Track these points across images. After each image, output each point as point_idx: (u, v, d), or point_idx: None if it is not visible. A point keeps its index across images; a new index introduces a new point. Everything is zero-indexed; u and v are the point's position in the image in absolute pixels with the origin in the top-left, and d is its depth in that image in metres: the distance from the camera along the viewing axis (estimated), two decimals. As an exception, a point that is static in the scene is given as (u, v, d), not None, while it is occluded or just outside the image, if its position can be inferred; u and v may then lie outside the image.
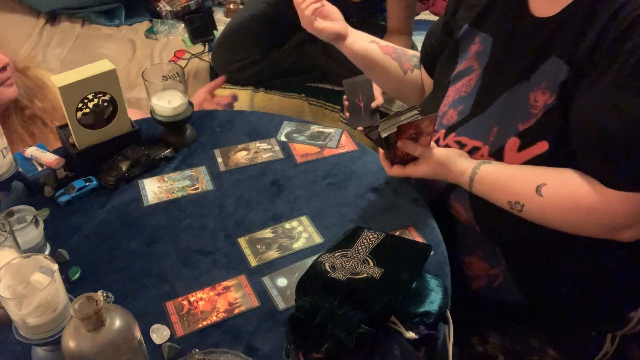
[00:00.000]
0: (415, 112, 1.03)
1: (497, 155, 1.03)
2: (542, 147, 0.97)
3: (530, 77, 0.98)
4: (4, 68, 1.39)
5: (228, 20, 2.40)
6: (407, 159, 1.10)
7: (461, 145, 1.09)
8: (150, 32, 2.44)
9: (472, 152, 1.08)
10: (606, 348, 1.11)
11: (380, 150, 1.14)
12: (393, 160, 1.12)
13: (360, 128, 1.68)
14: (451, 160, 1.06)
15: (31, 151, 1.22)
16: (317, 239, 1.09)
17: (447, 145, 1.12)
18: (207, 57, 2.28)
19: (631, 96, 0.85)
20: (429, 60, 1.28)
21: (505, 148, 1.02)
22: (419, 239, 1.07)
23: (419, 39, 2.08)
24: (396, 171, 1.12)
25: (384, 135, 1.03)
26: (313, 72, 2.12)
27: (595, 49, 0.89)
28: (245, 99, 2.12)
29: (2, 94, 1.41)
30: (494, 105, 1.04)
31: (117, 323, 0.76)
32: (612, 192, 0.90)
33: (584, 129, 0.91)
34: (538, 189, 0.96)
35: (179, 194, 1.20)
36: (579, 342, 1.12)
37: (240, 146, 1.32)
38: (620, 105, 0.86)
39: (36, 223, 1.02)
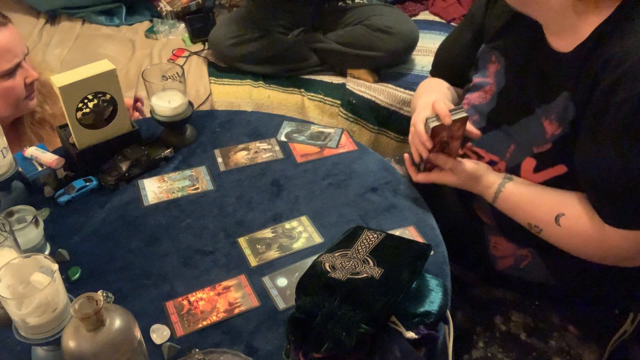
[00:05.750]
0: (464, 112, 1.05)
1: (514, 171, 1.07)
2: (560, 169, 1.01)
3: (544, 107, 1.02)
4: (32, 83, 1.41)
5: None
6: (433, 166, 1.13)
7: (479, 157, 1.12)
8: (150, 32, 2.44)
9: (489, 165, 1.11)
10: (625, 327, 1.13)
11: (406, 156, 1.17)
12: (428, 167, 1.14)
13: None
14: (480, 173, 1.09)
15: (31, 151, 1.22)
16: (317, 239, 1.09)
17: (464, 155, 1.15)
18: (205, 54, 2.27)
19: (623, 147, 0.89)
20: (450, 69, 1.31)
21: (521, 167, 1.05)
22: (419, 239, 1.08)
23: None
24: (422, 177, 1.15)
25: (432, 125, 1.04)
26: (310, 59, 2.12)
27: (590, 93, 0.92)
28: (244, 95, 2.12)
29: (27, 106, 1.45)
30: (512, 126, 1.08)
31: (117, 323, 0.76)
32: (612, 229, 0.94)
33: (583, 170, 0.96)
34: (557, 219, 1.00)
35: (179, 194, 1.20)
36: (599, 319, 1.15)
37: (240, 146, 1.32)
38: (612, 157, 0.90)
39: (36, 223, 1.02)
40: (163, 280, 1.02)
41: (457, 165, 1.09)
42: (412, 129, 1.12)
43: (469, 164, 1.09)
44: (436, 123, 1.04)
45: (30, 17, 2.56)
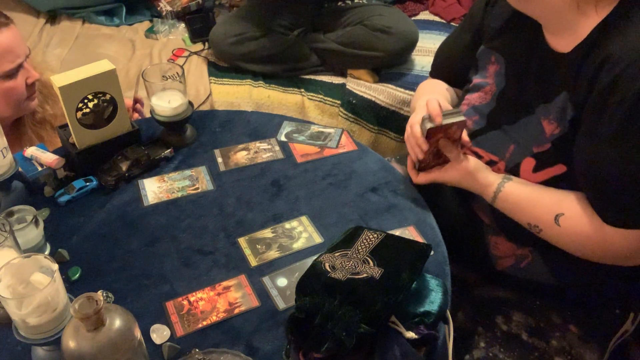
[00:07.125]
0: (462, 117, 1.06)
1: (513, 171, 1.07)
2: (559, 169, 1.01)
3: (543, 107, 1.02)
4: (33, 84, 1.41)
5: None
6: (432, 166, 1.13)
7: (478, 157, 1.13)
8: (150, 32, 2.44)
9: (489, 166, 1.11)
10: (626, 326, 1.14)
11: (409, 160, 1.17)
12: (425, 166, 1.14)
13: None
14: (479, 170, 1.09)
15: (31, 151, 1.22)
16: (317, 239, 1.09)
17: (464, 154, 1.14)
18: (205, 54, 2.27)
19: (621, 146, 0.89)
20: (449, 70, 1.31)
21: (521, 167, 1.05)
22: (419, 239, 1.08)
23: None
24: (422, 178, 1.15)
25: (428, 126, 1.05)
26: (310, 59, 2.12)
27: (588, 93, 0.92)
28: (244, 95, 2.12)
29: (28, 106, 1.45)
30: (512, 126, 1.08)
31: (117, 323, 0.76)
32: (611, 229, 0.94)
33: (582, 170, 0.96)
34: (557, 219, 1.00)
35: (179, 194, 1.20)
36: (600, 319, 1.15)
37: (240, 146, 1.32)
38: (611, 156, 0.90)
39: (36, 223, 1.02)
40: (163, 280, 1.02)
41: (460, 155, 1.09)
42: (408, 129, 1.13)
43: (471, 159, 1.10)
44: (432, 124, 1.04)
45: (30, 17, 2.56)
